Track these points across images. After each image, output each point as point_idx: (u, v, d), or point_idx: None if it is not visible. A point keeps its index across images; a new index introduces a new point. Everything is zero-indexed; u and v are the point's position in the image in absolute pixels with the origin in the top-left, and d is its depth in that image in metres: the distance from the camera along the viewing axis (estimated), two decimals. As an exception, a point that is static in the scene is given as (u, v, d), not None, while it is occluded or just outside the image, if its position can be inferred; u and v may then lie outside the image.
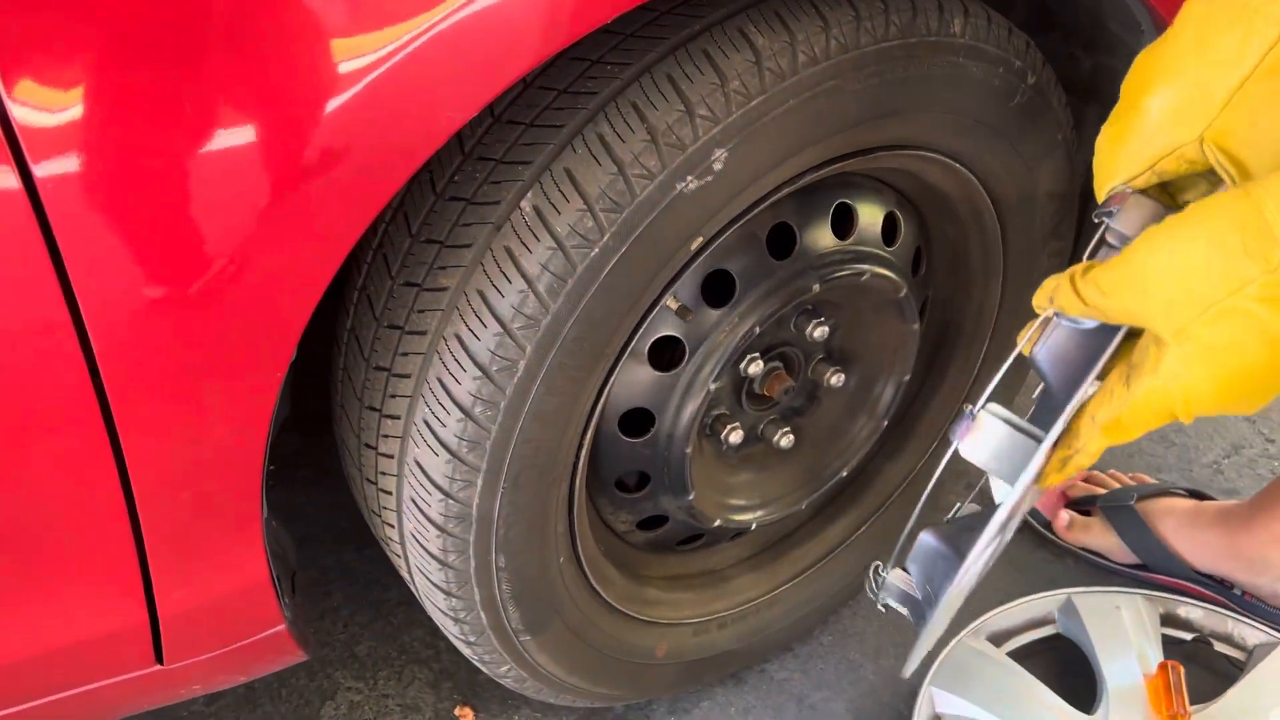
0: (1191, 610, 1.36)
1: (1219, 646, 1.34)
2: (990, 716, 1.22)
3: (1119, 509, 1.44)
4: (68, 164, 0.64)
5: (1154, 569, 1.43)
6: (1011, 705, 1.23)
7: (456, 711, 1.29)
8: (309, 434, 1.11)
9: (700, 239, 0.88)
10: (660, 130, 0.81)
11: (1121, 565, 1.45)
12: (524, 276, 0.82)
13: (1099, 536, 1.45)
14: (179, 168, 0.66)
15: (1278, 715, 1.21)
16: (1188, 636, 1.35)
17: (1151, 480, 1.52)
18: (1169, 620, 1.35)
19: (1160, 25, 0.99)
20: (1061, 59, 1.15)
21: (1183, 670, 1.23)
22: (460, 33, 0.68)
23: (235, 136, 0.67)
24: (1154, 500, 1.44)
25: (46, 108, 0.63)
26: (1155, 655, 1.27)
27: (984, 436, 0.72)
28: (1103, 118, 1.00)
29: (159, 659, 0.91)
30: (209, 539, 0.85)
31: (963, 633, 1.30)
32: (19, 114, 0.62)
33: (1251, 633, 1.33)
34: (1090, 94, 1.18)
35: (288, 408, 1.16)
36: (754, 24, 0.83)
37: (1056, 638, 1.35)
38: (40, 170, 0.63)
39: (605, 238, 0.82)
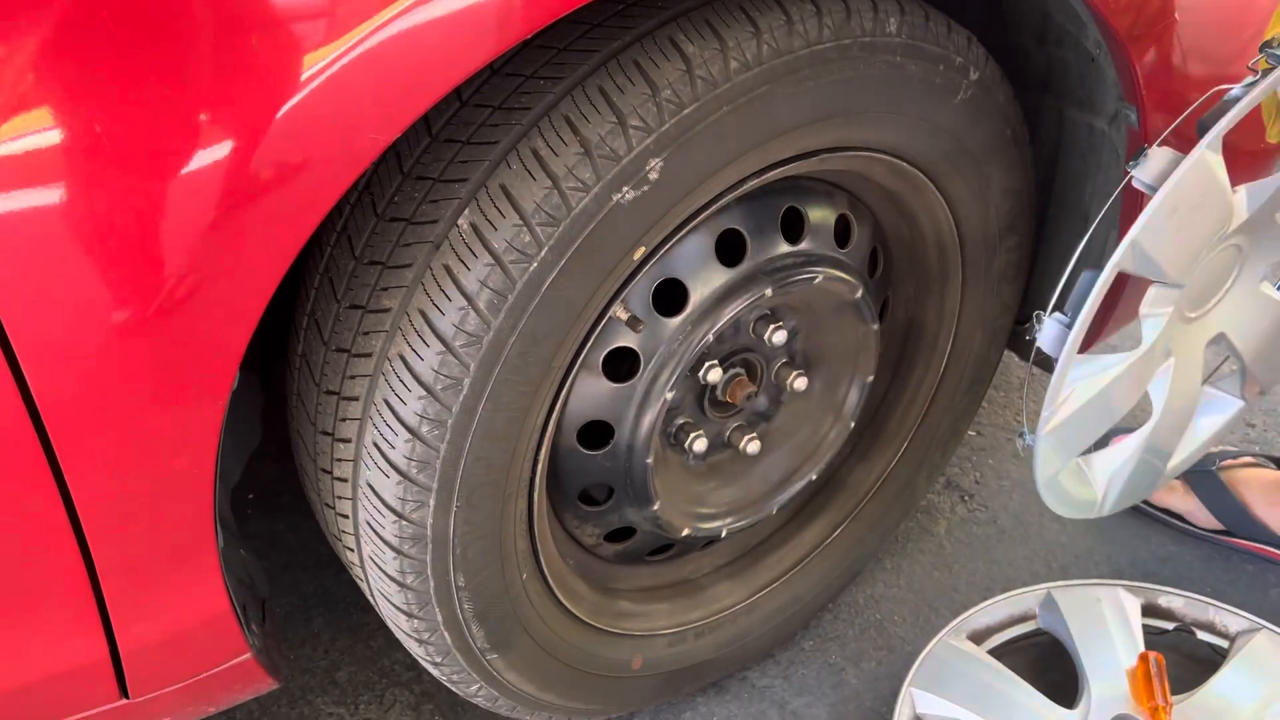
0: (1173, 600, 1.35)
1: (1201, 635, 1.33)
2: (971, 715, 1.21)
3: (1201, 474, 1.46)
4: (-13, 202, 0.64)
5: (1236, 534, 1.45)
6: (992, 703, 1.22)
7: (438, 733, 1.28)
8: (287, 460, 1.10)
9: (643, 249, 0.88)
10: (593, 142, 0.81)
11: (1203, 529, 1.48)
12: (463, 294, 0.81)
13: (1181, 499, 1.48)
14: (102, 198, 0.66)
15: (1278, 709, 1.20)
16: (1169, 626, 1.34)
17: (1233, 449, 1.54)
18: (1150, 610, 1.35)
19: (1100, 20, 0.99)
20: (1015, 52, 1.15)
21: (1163, 660, 1.23)
22: (376, 57, 0.68)
23: (159, 166, 0.67)
24: (1238, 469, 1.46)
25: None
26: (1136, 646, 1.26)
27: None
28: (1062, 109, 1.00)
29: (124, 693, 0.91)
30: (164, 571, 0.85)
31: (943, 632, 1.30)
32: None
33: (1234, 620, 1.32)
34: (1046, 87, 1.17)
35: (259, 435, 1.15)
36: (684, 32, 0.83)
37: (1038, 633, 1.35)
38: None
39: (543, 252, 0.81)
